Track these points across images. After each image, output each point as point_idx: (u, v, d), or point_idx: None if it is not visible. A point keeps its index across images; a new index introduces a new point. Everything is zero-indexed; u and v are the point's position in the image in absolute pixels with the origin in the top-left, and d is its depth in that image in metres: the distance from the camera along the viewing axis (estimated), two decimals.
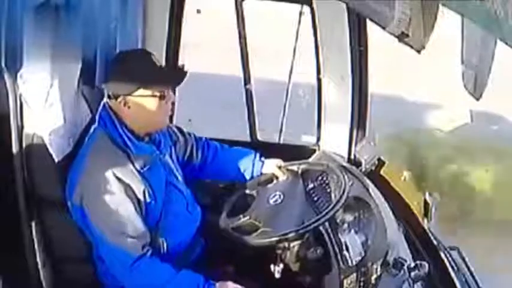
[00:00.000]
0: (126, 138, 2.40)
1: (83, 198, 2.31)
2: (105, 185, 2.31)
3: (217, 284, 2.39)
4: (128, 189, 2.34)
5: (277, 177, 2.88)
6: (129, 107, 2.39)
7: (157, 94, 2.40)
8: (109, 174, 2.31)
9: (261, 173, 2.92)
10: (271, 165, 2.92)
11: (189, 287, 2.37)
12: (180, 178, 2.66)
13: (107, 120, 2.43)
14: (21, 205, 2.19)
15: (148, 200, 2.40)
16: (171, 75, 2.54)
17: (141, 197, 2.37)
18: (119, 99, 2.39)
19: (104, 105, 2.47)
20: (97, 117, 2.48)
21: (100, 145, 2.38)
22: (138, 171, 2.39)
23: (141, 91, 2.38)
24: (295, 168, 2.89)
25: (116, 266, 2.37)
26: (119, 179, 2.32)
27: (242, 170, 2.90)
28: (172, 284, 2.36)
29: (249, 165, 2.92)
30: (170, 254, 2.51)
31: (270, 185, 2.86)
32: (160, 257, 2.43)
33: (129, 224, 2.33)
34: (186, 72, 2.45)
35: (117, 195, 2.32)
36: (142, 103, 2.39)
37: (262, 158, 2.95)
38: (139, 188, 2.37)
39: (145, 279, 2.36)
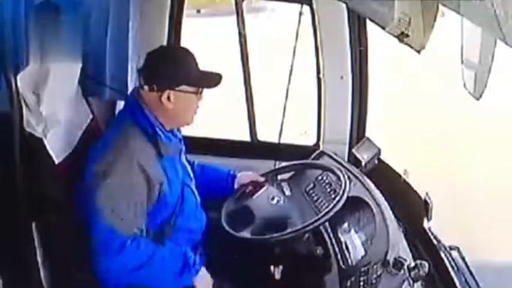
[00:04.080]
0: (156, 128, 2.45)
1: (104, 174, 2.31)
2: (127, 166, 2.34)
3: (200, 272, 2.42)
4: (147, 176, 2.37)
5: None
6: (170, 101, 2.44)
7: (197, 91, 2.49)
8: (133, 158, 2.35)
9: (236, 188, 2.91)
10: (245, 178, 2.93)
11: (173, 259, 2.39)
12: (193, 180, 2.68)
13: (137, 111, 2.46)
14: (21, 205, 2.18)
15: (163, 191, 2.43)
16: (210, 76, 2.56)
17: (157, 188, 2.40)
18: (164, 92, 2.43)
19: (136, 97, 2.49)
20: (126, 109, 2.54)
21: (128, 131, 2.42)
22: (161, 160, 2.43)
23: (185, 87, 2.45)
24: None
25: (104, 246, 2.33)
26: (140, 165, 2.35)
27: (218, 189, 2.91)
28: (156, 257, 2.36)
29: (223, 182, 2.92)
30: None
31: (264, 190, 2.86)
32: None
33: (132, 208, 2.35)
34: (221, 77, 2.52)
35: (135, 178, 2.35)
36: (184, 98, 2.46)
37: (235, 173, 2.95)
38: (158, 178, 2.40)
39: (132, 258, 2.35)
